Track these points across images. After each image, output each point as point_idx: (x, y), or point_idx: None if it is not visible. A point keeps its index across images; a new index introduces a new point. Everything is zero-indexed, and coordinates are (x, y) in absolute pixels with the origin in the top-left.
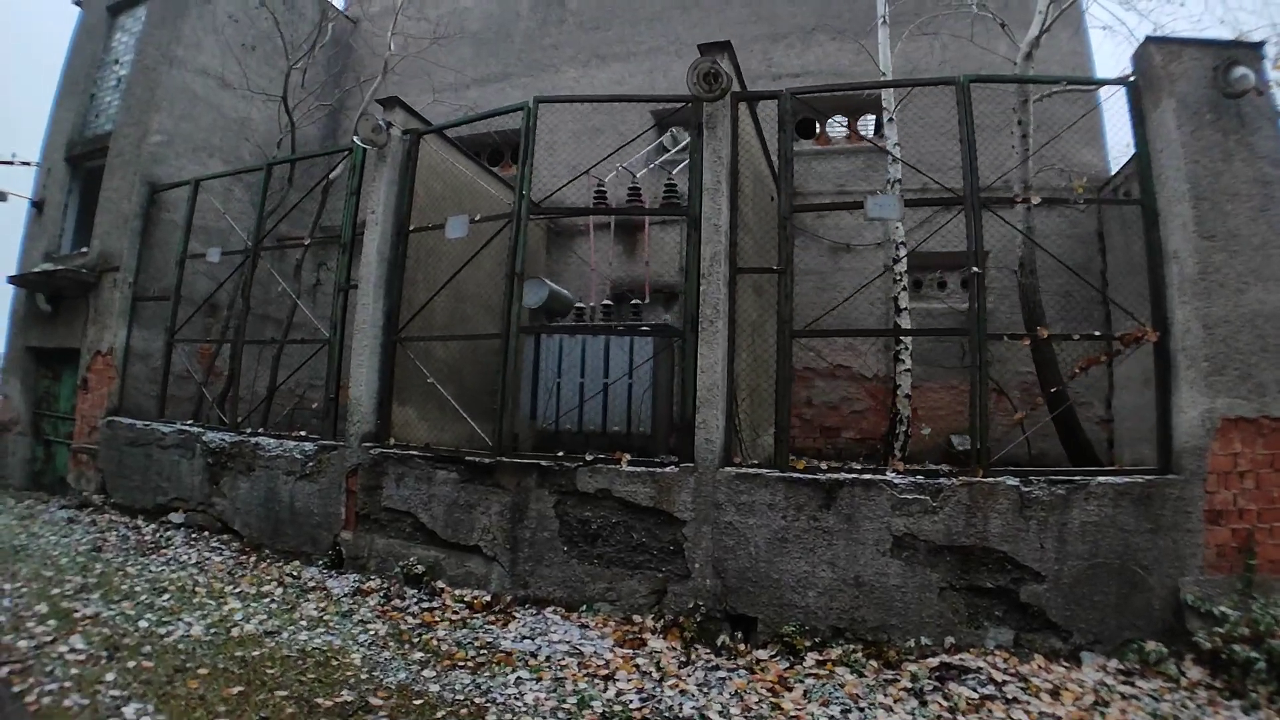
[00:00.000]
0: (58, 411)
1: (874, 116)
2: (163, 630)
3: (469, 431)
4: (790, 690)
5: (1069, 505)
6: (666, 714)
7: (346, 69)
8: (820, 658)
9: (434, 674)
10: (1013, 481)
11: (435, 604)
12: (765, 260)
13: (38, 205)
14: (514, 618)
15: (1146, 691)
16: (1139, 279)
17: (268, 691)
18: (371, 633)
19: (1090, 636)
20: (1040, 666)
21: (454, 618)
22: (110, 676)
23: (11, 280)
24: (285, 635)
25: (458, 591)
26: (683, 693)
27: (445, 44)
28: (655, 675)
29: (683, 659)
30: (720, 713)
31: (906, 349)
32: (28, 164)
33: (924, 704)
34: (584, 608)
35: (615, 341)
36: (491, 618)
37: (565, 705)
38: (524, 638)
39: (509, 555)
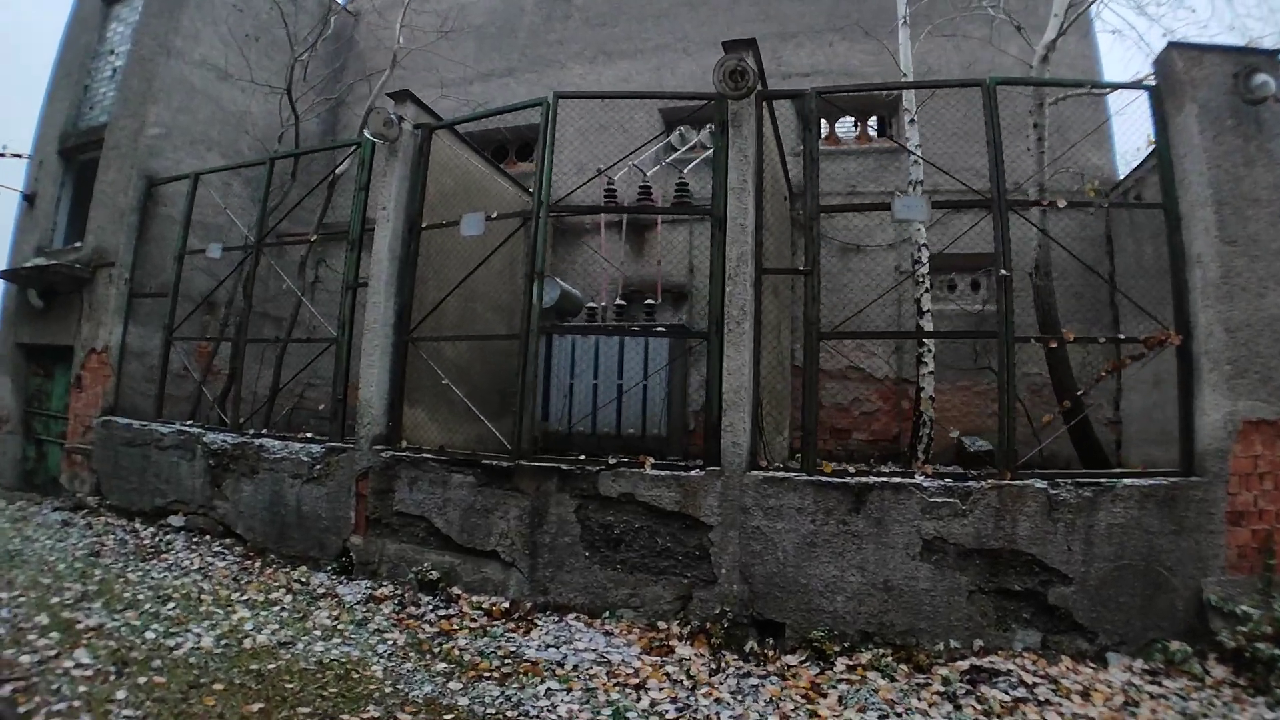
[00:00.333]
0: (50, 410)
1: (881, 117)
2: (171, 642)
3: (478, 433)
4: (825, 696)
5: (1096, 507)
6: None
7: (347, 64)
8: (850, 663)
9: (460, 686)
10: (1041, 484)
11: (452, 611)
12: (780, 261)
13: (29, 198)
14: (535, 625)
15: (1174, 691)
16: (1148, 282)
17: (289, 708)
18: (390, 642)
19: (1116, 637)
20: (1068, 668)
21: (473, 625)
22: (121, 694)
23: (2, 275)
24: (300, 646)
25: (475, 598)
26: (718, 701)
27: (448, 39)
28: (687, 683)
29: (713, 666)
30: None
31: (930, 351)
32: (19, 156)
33: (959, 708)
34: (607, 614)
35: (630, 342)
36: (511, 625)
37: (600, 717)
38: (548, 646)
39: (528, 561)
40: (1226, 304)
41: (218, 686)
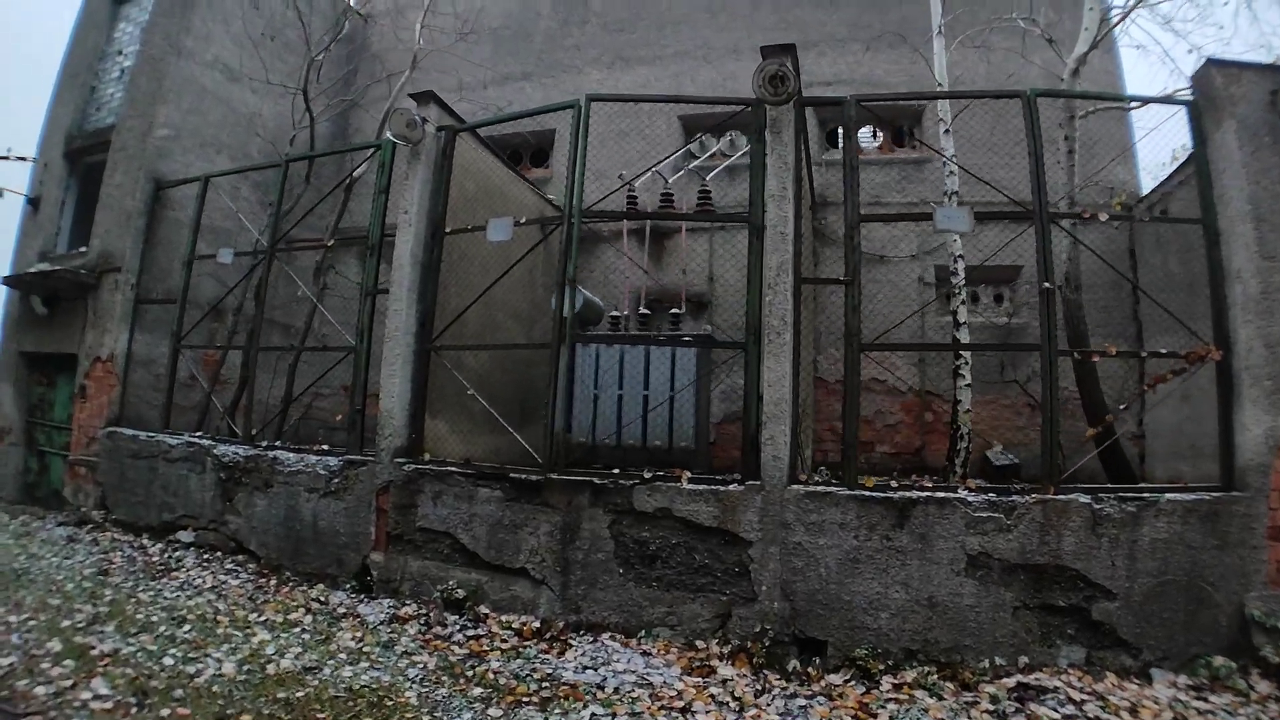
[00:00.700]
0: (53, 420)
1: (899, 127)
2: (191, 669)
3: (495, 445)
4: (874, 717)
5: (1139, 522)
6: None
7: (359, 66)
8: (895, 681)
9: (500, 712)
10: (1085, 499)
11: (481, 631)
12: (803, 270)
13: (33, 202)
14: (570, 645)
15: (1220, 706)
16: (1175, 297)
17: None
18: (420, 666)
19: (1159, 653)
20: (1114, 684)
21: (504, 646)
22: None
23: (5, 281)
24: (327, 671)
25: (504, 617)
26: None
27: (465, 41)
28: (733, 706)
29: (757, 687)
30: None
31: (966, 364)
32: (23, 159)
33: None
34: (642, 633)
35: (656, 352)
36: (544, 646)
37: None
38: (585, 668)
39: (559, 578)
40: (1266, 319)
41: (246, 718)
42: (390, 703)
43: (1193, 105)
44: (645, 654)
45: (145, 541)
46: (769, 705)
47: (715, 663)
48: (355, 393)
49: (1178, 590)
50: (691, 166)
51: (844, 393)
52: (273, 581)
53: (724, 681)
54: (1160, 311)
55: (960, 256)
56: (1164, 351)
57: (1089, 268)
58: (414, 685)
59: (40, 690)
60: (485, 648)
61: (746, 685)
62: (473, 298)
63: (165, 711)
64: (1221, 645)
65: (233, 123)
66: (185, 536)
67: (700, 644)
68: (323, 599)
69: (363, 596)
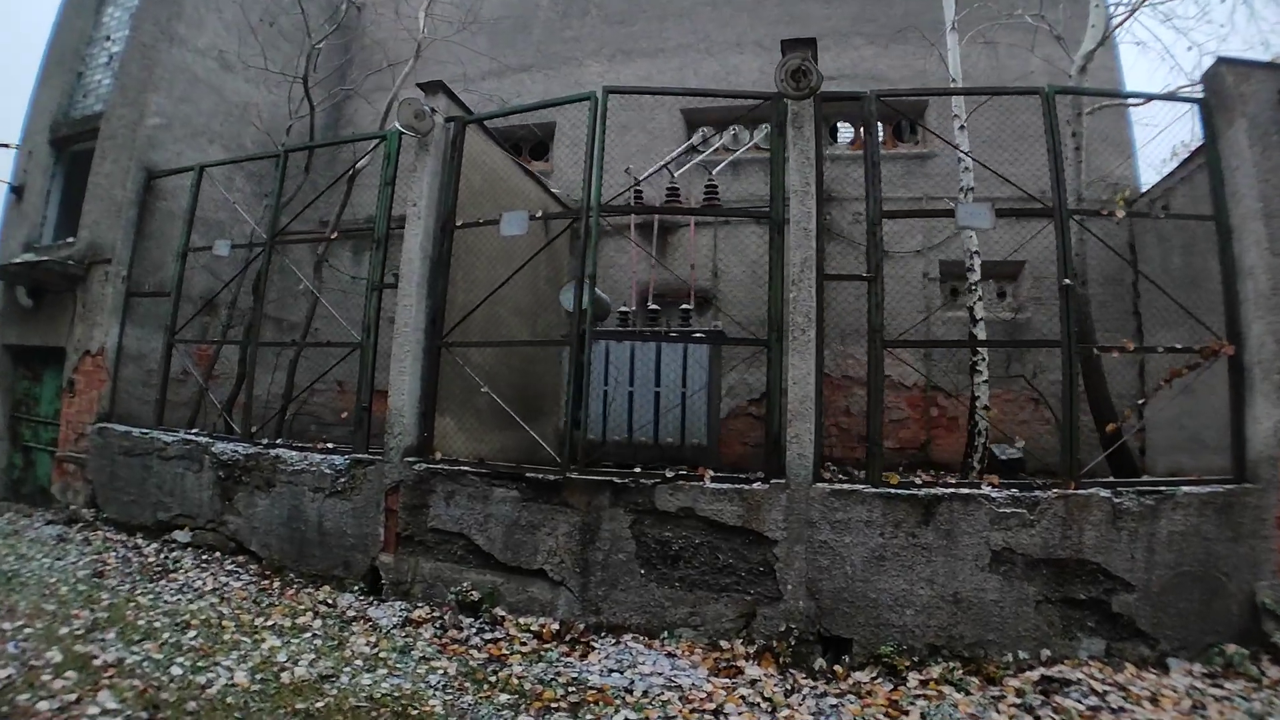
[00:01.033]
0: (39, 415)
1: (900, 123)
2: (201, 679)
3: (504, 442)
4: (905, 714)
5: (1157, 515)
6: None
7: (354, 56)
8: (922, 677)
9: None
10: (1105, 493)
11: (499, 634)
12: None
13: (17, 191)
14: (592, 648)
15: (1234, 692)
16: (1177, 292)
17: None
18: (441, 671)
19: (1175, 643)
20: (1133, 675)
21: (524, 650)
22: None
23: None
24: (345, 679)
25: (521, 620)
26: None
27: (465, 31)
28: (765, 706)
29: (786, 687)
30: None
31: (984, 360)
32: (6, 146)
33: (1037, 719)
34: (665, 634)
35: (668, 348)
36: (565, 648)
37: None
38: (611, 670)
39: (579, 580)
40: (1278, 315)
41: None
42: (414, 711)
43: (1204, 103)
44: (670, 655)
45: (139, 541)
46: (800, 705)
47: (741, 663)
48: (362, 390)
49: (1193, 581)
50: (695, 161)
51: (868, 390)
52: (276, 583)
53: (753, 682)
54: (1159, 306)
55: (976, 252)
56: (1179, 347)
57: (1090, 263)
58: (437, 692)
59: (43, 705)
60: (505, 651)
61: (775, 685)
62: (478, 292)
63: None
64: (1234, 633)
65: (225, 112)
66: (182, 536)
67: (725, 644)
68: (331, 602)
69: (372, 599)
